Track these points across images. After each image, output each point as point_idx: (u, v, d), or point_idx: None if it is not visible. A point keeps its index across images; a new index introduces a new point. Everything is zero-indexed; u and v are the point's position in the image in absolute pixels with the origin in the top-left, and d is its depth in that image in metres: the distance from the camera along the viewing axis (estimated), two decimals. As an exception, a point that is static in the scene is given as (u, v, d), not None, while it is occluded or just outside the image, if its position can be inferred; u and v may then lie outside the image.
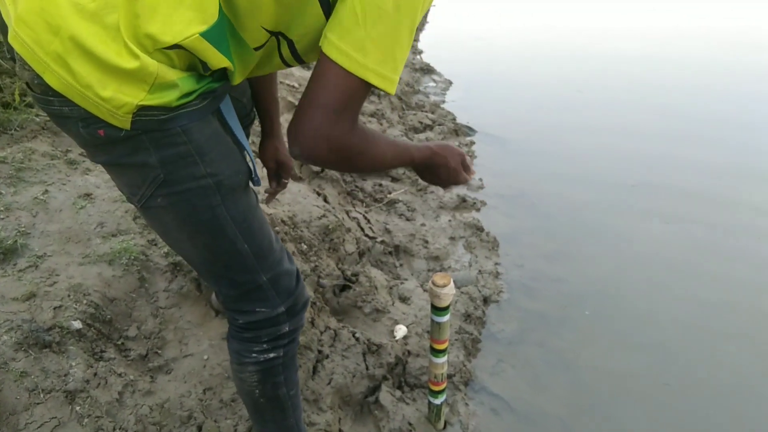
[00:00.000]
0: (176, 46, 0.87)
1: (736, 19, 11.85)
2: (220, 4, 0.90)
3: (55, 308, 1.64)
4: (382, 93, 5.18)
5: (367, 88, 0.92)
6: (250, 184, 1.14)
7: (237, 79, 1.03)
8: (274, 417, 1.37)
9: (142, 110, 0.89)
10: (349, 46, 0.88)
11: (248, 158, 1.13)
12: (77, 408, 1.48)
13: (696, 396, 2.24)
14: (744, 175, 4.23)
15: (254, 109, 1.60)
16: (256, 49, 1.03)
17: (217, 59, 0.93)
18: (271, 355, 1.25)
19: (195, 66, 0.94)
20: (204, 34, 0.89)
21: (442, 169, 1.24)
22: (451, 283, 1.64)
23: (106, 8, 0.83)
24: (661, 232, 3.47)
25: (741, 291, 2.89)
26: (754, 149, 4.76)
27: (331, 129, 0.92)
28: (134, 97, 0.87)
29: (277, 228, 2.34)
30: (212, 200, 1.03)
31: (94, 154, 1.01)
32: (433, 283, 1.63)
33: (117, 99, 0.86)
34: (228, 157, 1.05)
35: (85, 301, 1.71)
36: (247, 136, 1.51)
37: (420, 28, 10.45)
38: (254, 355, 1.24)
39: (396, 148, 1.12)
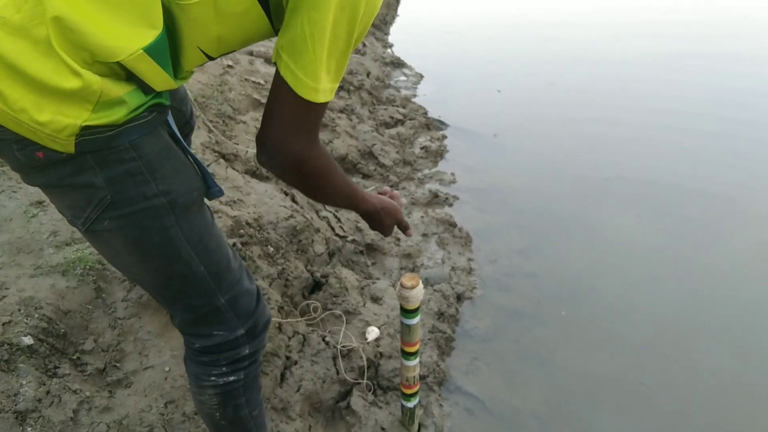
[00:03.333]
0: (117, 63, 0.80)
1: (713, 1, 11.95)
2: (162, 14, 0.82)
3: (3, 324, 1.56)
4: (351, 88, 5.11)
5: (321, 107, 0.92)
6: (205, 198, 1.07)
7: (165, 96, 0.95)
8: None
9: (85, 130, 0.81)
10: (302, 70, 0.87)
11: (202, 172, 1.05)
12: (29, 429, 1.41)
13: (672, 395, 2.21)
14: (720, 167, 4.24)
15: (193, 117, 1.52)
16: (190, 72, 0.98)
17: (161, 80, 0.86)
18: (231, 378, 1.19)
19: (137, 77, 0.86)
20: (148, 49, 0.80)
21: (377, 224, 1.29)
22: (420, 284, 1.59)
23: (34, 19, 0.74)
24: (636, 226, 3.46)
25: (718, 285, 2.87)
26: (730, 139, 4.76)
27: (293, 142, 0.93)
28: (76, 117, 0.79)
29: (241, 231, 2.27)
30: (165, 221, 0.96)
31: (30, 176, 0.91)
32: (402, 285, 1.58)
33: (56, 122, 0.78)
34: (181, 172, 0.98)
35: (36, 315, 1.63)
36: (189, 145, 1.44)
37: (390, 21, 10.38)
38: (213, 378, 1.18)
39: (351, 189, 1.14)
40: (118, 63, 0.80)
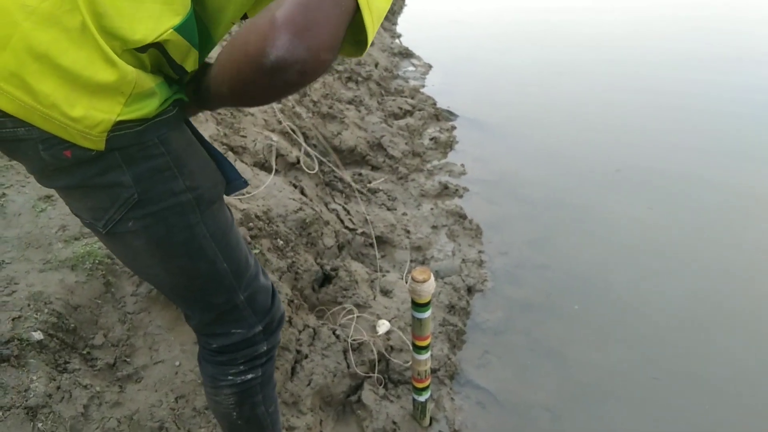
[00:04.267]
0: (148, 46, 0.76)
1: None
2: None
3: (13, 319, 1.55)
4: (360, 79, 5.07)
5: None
6: (228, 192, 1.04)
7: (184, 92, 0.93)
8: None
9: (117, 125, 0.77)
10: None
11: (224, 166, 1.02)
12: (39, 425, 1.40)
13: (686, 390, 2.18)
14: (733, 157, 4.17)
15: None
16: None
17: (192, 58, 0.83)
18: (249, 376, 1.17)
19: (163, 68, 0.84)
20: (178, 28, 0.77)
21: None
22: (431, 278, 1.57)
23: (64, 5, 0.70)
24: (648, 217, 3.42)
25: (732, 277, 2.82)
26: (745, 129, 4.69)
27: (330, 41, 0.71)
28: (110, 112, 0.75)
29: (251, 224, 2.26)
30: (191, 218, 0.93)
31: (52, 178, 0.86)
32: (413, 279, 1.57)
33: (90, 117, 0.75)
34: (205, 168, 0.95)
35: (46, 310, 1.62)
36: None
37: (398, 11, 10.31)
38: (230, 377, 1.16)
39: None
40: (146, 51, 0.77)
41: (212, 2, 0.84)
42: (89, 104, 0.74)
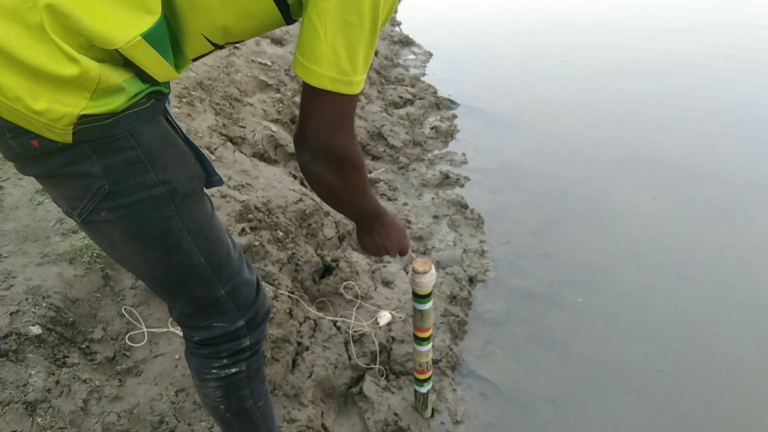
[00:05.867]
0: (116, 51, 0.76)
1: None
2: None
3: (11, 313, 1.54)
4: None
5: (348, 98, 0.90)
6: (203, 187, 1.03)
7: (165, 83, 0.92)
8: (244, 429, 1.29)
9: (83, 119, 0.77)
10: (315, 62, 0.85)
11: (202, 160, 1.01)
12: (38, 420, 1.39)
13: (690, 382, 2.16)
14: (738, 147, 4.13)
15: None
16: (195, 59, 0.94)
17: (162, 69, 0.83)
18: (233, 370, 1.17)
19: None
20: (146, 36, 0.77)
21: (382, 236, 1.26)
22: (432, 269, 1.56)
23: (27, 2, 0.70)
24: (651, 207, 3.38)
25: (737, 269, 2.79)
26: (749, 120, 4.63)
27: (332, 136, 0.92)
28: (74, 106, 0.76)
29: (250, 215, 2.24)
30: (166, 211, 0.93)
31: (25, 166, 0.88)
32: (414, 270, 1.55)
33: (53, 111, 0.75)
34: (181, 160, 0.94)
35: (44, 304, 1.61)
36: None
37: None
38: (214, 371, 1.16)
39: (372, 193, 1.14)
40: (116, 50, 0.76)
41: (182, 10, 0.83)
42: (53, 98, 0.74)
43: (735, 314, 2.49)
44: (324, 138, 0.91)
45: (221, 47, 0.95)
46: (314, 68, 0.85)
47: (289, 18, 0.91)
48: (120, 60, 0.79)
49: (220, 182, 1.05)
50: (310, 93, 0.88)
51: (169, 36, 0.84)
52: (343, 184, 0.99)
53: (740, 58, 6.20)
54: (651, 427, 1.99)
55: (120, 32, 0.75)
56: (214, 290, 1.05)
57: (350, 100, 0.90)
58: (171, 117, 0.95)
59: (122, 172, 0.86)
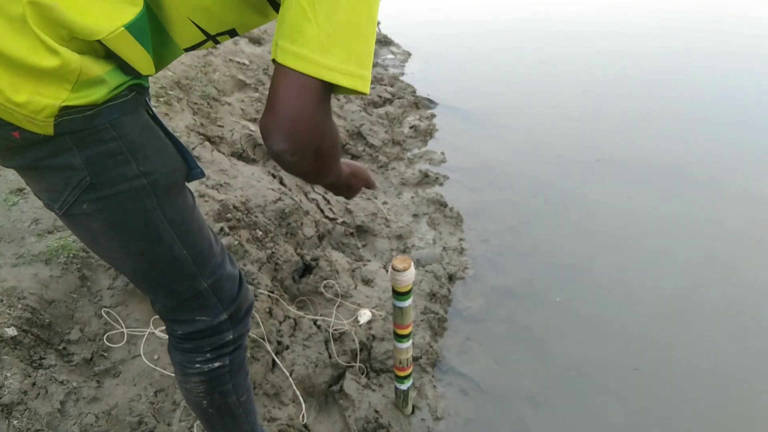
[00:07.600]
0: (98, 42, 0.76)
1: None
2: None
3: (-15, 315, 1.52)
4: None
5: (328, 92, 0.78)
6: (186, 180, 1.03)
7: (145, 77, 0.90)
8: (226, 425, 1.28)
9: (64, 110, 0.77)
10: (306, 46, 0.73)
11: (183, 153, 1.01)
12: (14, 422, 1.37)
13: (668, 379, 2.19)
14: (712, 147, 4.21)
15: None
16: (188, 49, 0.93)
17: (142, 60, 0.82)
18: (216, 364, 1.16)
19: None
20: (129, 27, 0.77)
21: (345, 189, 1.13)
22: (412, 266, 1.57)
23: None
24: (628, 206, 3.44)
25: (712, 267, 2.85)
26: (723, 120, 4.72)
27: (310, 120, 0.78)
28: (55, 98, 0.75)
29: (229, 215, 2.23)
30: (147, 203, 0.92)
31: (6, 157, 0.87)
32: (393, 267, 1.56)
33: (34, 103, 0.74)
34: (162, 153, 0.94)
35: (20, 306, 1.59)
36: None
37: None
38: (198, 365, 1.15)
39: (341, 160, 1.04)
40: (98, 41, 0.76)
41: None
42: (34, 90, 0.74)
43: (711, 312, 2.54)
44: (312, 132, 0.79)
45: (214, 39, 0.94)
46: (306, 53, 0.74)
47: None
48: (101, 52, 0.79)
49: (201, 175, 1.04)
50: (282, 79, 0.76)
51: (155, 26, 0.83)
52: (322, 168, 0.90)
53: (716, 59, 6.32)
54: (629, 424, 2.02)
55: (103, 23, 0.75)
56: (196, 283, 1.05)
57: (327, 94, 0.79)
58: (152, 111, 0.95)
59: (103, 163, 0.86)
